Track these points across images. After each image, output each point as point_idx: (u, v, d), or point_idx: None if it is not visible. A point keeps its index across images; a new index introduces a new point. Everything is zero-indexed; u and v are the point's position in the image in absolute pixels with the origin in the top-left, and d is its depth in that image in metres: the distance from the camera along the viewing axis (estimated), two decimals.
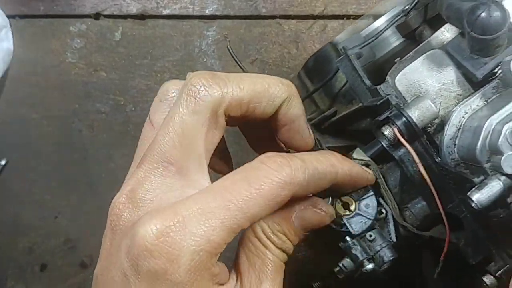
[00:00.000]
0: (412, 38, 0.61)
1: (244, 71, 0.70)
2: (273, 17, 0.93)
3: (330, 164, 0.48)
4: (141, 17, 0.95)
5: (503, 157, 0.45)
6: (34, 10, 0.96)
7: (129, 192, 0.45)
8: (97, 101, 0.95)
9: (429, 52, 0.54)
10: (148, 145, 0.46)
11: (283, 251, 0.48)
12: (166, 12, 0.95)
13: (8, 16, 0.96)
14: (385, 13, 0.64)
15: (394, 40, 0.63)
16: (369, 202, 0.54)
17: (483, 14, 0.46)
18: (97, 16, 0.96)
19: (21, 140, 0.96)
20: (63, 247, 0.96)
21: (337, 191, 0.53)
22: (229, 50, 0.70)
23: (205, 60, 0.94)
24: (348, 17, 0.91)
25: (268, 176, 0.43)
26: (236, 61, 0.69)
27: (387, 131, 0.52)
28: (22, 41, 0.97)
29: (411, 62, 0.54)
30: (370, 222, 0.53)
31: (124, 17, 0.96)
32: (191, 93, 0.44)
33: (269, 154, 0.45)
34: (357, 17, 0.91)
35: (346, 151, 0.55)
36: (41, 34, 0.97)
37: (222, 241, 0.42)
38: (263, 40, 0.93)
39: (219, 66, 0.94)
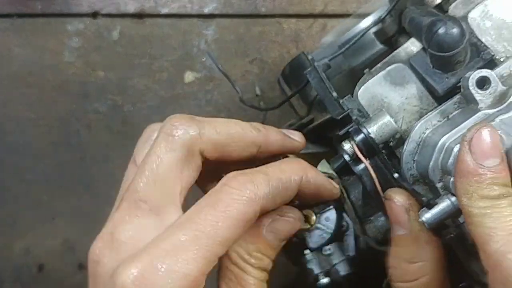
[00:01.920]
0: (390, 45, 0.61)
1: (227, 77, 0.71)
2: (272, 16, 0.93)
3: (294, 172, 0.48)
4: (139, 16, 0.95)
5: (452, 179, 0.44)
6: (32, 9, 0.95)
7: (106, 236, 0.45)
8: (94, 101, 0.95)
9: (392, 66, 0.54)
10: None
11: (262, 269, 0.48)
12: (164, 11, 0.94)
13: (6, 15, 0.96)
14: (365, 19, 0.64)
15: (372, 47, 0.63)
16: (329, 216, 0.53)
17: (440, 31, 0.45)
18: (94, 15, 0.95)
19: (18, 140, 0.96)
20: (61, 248, 0.95)
21: (302, 203, 0.52)
22: (209, 55, 0.72)
23: (203, 59, 0.94)
24: (348, 16, 0.90)
25: (232, 196, 0.43)
26: (217, 67, 0.70)
27: (347, 146, 0.52)
28: (20, 40, 0.96)
29: (376, 75, 0.54)
30: (328, 236, 0.53)
31: (122, 16, 0.95)
32: (169, 132, 0.46)
33: (231, 174, 0.45)
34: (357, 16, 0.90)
35: (325, 157, 0.56)
36: (39, 33, 0.96)
37: (199, 273, 0.41)
38: (263, 40, 0.93)
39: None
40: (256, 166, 0.49)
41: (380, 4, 0.63)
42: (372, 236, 0.55)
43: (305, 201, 0.52)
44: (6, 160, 0.95)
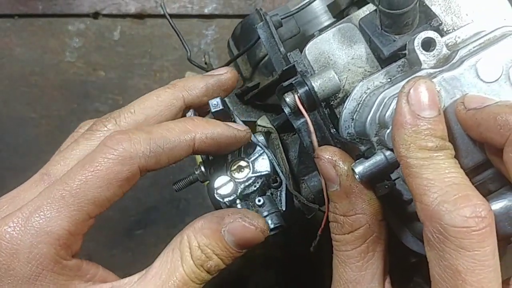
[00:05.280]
0: (342, 18, 0.61)
1: (178, 33, 0.73)
2: None
3: (183, 130, 0.47)
4: (140, 16, 0.95)
5: (387, 130, 0.45)
6: (33, 10, 0.96)
7: (9, 198, 0.48)
8: (95, 101, 0.95)
9: (342, 24, 0.54)
10: None
11: (206, 269, 0.46)
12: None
13: (7, 15, 0.96)
14: None
15: (325, 20, 0.64)
16: (264, 165, 0.54)
17: None
18: (95, 15, 0.96)
19: (19, 139, 0.96)
20: None
21: (221, 153, 0.52)
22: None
23: (203, 59, 0.94)
24: None
25: (104, 155, 0.43)
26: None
27: (289, 98, 0.52)
28: (21, 40, 0.96)
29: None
30: (258, 185, 0.53)
31: (123, 16, 0.96)
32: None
33: (112, 133, 0.46)
34: None
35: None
36: (40, 33, 0.97)
37: (64, 231, 0.42)
38: None
39: (217, 65, 0.94)
40: None
41: None
42: (304, 196, 0.55)
43: (219, 151, 0.52)
44: (6, 159, 0.96)
